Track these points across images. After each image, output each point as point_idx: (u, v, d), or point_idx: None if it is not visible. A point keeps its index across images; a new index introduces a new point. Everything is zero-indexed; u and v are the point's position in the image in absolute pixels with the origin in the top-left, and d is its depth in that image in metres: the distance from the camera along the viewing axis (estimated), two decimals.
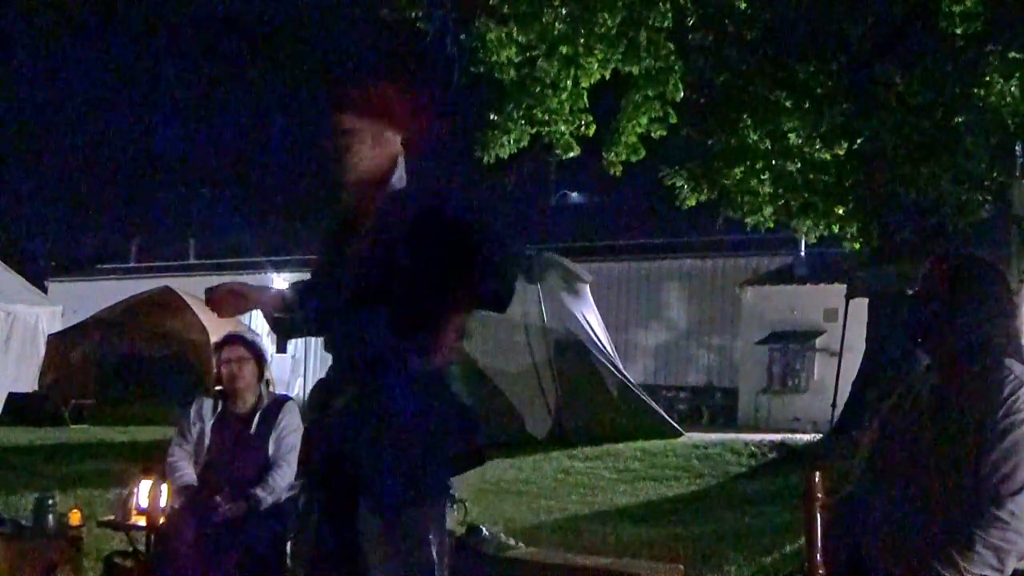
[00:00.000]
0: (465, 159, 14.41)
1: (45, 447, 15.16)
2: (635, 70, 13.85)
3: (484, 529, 5.44)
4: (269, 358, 5.65)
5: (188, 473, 5.35)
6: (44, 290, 28.85)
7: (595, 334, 17.18)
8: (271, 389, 5.63)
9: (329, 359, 3.60)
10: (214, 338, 17.60)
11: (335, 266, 3.57)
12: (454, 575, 3.64)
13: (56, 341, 20.85)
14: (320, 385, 3.64)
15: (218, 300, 3.63)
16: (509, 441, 15.09)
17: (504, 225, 3.50)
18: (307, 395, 4.58)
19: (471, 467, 3.58)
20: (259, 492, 5.11)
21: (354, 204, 3.57)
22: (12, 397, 19.56)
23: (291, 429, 5.28)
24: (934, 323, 3.19)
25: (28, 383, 20.27)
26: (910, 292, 3.26)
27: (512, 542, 5.52)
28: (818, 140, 14.07)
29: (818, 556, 2.87)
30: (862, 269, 15.69)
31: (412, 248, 3.39)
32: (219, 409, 5.44)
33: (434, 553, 3.39)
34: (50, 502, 5.83)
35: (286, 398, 5.55)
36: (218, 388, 5.48)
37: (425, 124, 3.64)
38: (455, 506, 5.57)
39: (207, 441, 5.39)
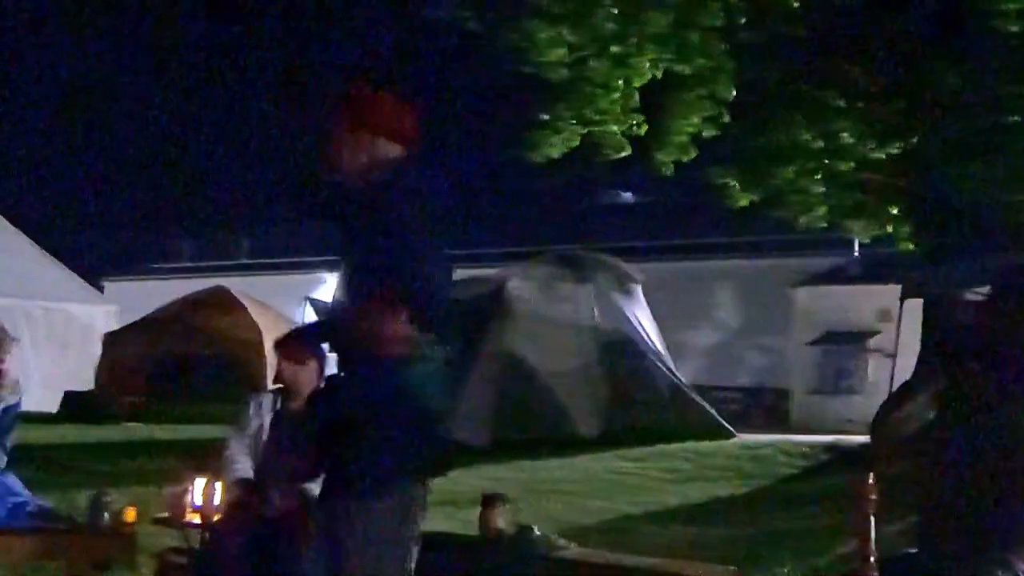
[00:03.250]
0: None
1: (100, 444, 15.34)
2: (686, 70, 13.77)
3: (535, 529, 5.44)
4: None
5: (244, 466, 5.41)
6: (101, 290, 29.18)
7: (647, 334, 17.13)
8: None
9: None
10: (268, 337, 17.76)
11: None
12: (505, 574, 3.64)
13: (111, 340, 21.10)
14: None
15: None
16: (559, 441, 15.11)
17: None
18: None
19: (434, 473, 3.48)
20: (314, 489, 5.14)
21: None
22: (69, 395, 19.86)
23: None
24: (998, 336, 3.15)
25: (85, 381, 20.54)
26: (974, 297, 3.23)
27: (563, 542, 5.52)
28: (871, 139, 13.94)
29: (871, 558, 2.85)
30: (916, 269, 15.51)
31: (354, 239, 3.59)
32: (277, 406, 5.50)
33: (376, 553, 3.31)
34: (105, 499, 5.89)
35: None
36: (277, 386, 5.55)
37: (406, 128, 3.64)
38: (506, 506, 5.58)
39: (264, 437, 5.45)
